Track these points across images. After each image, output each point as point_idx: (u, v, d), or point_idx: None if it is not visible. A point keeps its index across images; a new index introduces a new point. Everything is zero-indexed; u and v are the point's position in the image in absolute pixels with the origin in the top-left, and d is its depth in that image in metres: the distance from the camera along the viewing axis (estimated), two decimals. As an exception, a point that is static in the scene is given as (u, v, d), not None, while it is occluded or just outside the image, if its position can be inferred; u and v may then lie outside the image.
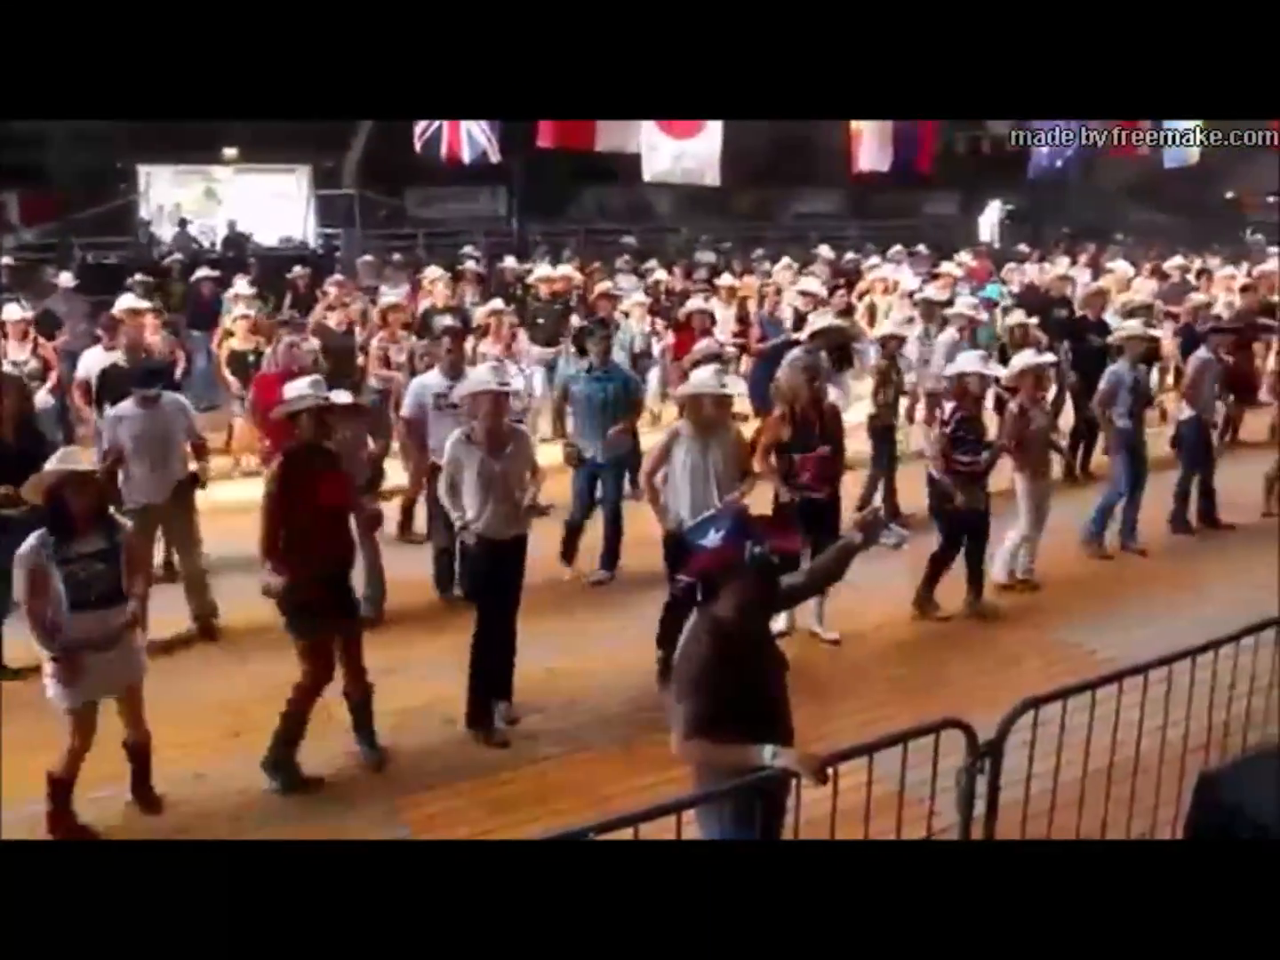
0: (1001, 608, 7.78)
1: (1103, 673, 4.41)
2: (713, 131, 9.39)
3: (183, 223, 20.48)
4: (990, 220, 26.69)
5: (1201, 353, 9.43)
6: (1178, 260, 15.94)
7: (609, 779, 5.46)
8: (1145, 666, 4.34)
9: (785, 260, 15.18)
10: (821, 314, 10.35)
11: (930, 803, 3.86)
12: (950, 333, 9.96)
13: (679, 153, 9.42)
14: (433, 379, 7.74)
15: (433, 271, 13.44)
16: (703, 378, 6.63)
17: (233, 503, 8.73)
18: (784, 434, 6.94)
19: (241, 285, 12.51)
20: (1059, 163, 15.20)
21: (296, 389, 5.86)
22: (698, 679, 3.50)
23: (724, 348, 8.91)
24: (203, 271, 14.44)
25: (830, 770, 3.39)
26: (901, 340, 9.56)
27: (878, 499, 8.94)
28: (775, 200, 26.96)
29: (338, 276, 13.84)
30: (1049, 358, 8.53)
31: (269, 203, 21.69)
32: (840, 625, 7.19)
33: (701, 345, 9.13)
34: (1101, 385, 8.81)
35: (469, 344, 9.75)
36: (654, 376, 11.73)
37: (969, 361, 7.61)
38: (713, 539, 3.57)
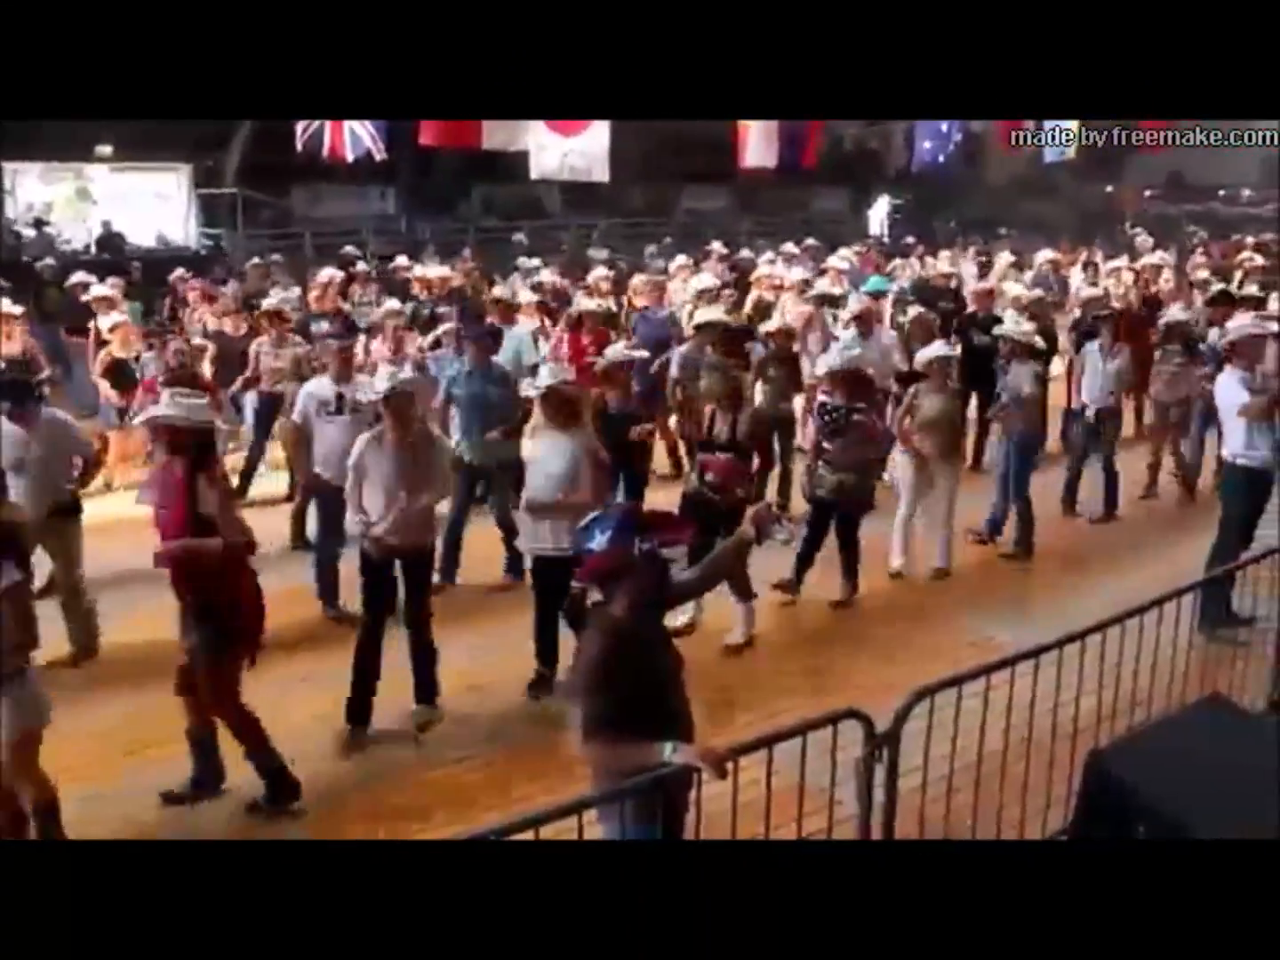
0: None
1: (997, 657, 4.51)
2: (600, 128, 9.36)
3: (39, 224, 19.58)
4: (879, 215, 27.13)
5: (1093, 345, 9.63)
6: (1047, 253, 16.36)
7: (520, 781, 5.38)
8: (1036, 650, 4.44)
9: (681, 258, 15.13)
10: (708, 309, 10.39)
11: (830, 793, 3.89)
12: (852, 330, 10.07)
13: (566, 150, 9.37)
14: (318, 386, 7.55)
15: (325, 273, 13.18)
16: (543, 377, 6.56)
17: (107, 520, 8.30)
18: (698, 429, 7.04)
19: (100, 288, 12.03)
20: (941, 157, 15.52)
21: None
22: (594, 679, 3.47)
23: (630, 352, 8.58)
24: (80, 276, 13.97)
25: (730, 764, 3.38)
26: (790, 333, 9.62)
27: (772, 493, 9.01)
28: (666, 196, 27.04)
29: (194, 280, 13.52)
30: (953, 350, 8.61)
31: (148, 202, 21.05)
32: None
33: (617, 349, 8.64)
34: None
35: (361, 347, 9.64)
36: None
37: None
38: (600, 540, 3.54)
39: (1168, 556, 8.18)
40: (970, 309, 11.44)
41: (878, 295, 12.08)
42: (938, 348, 8.38)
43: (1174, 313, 10.56)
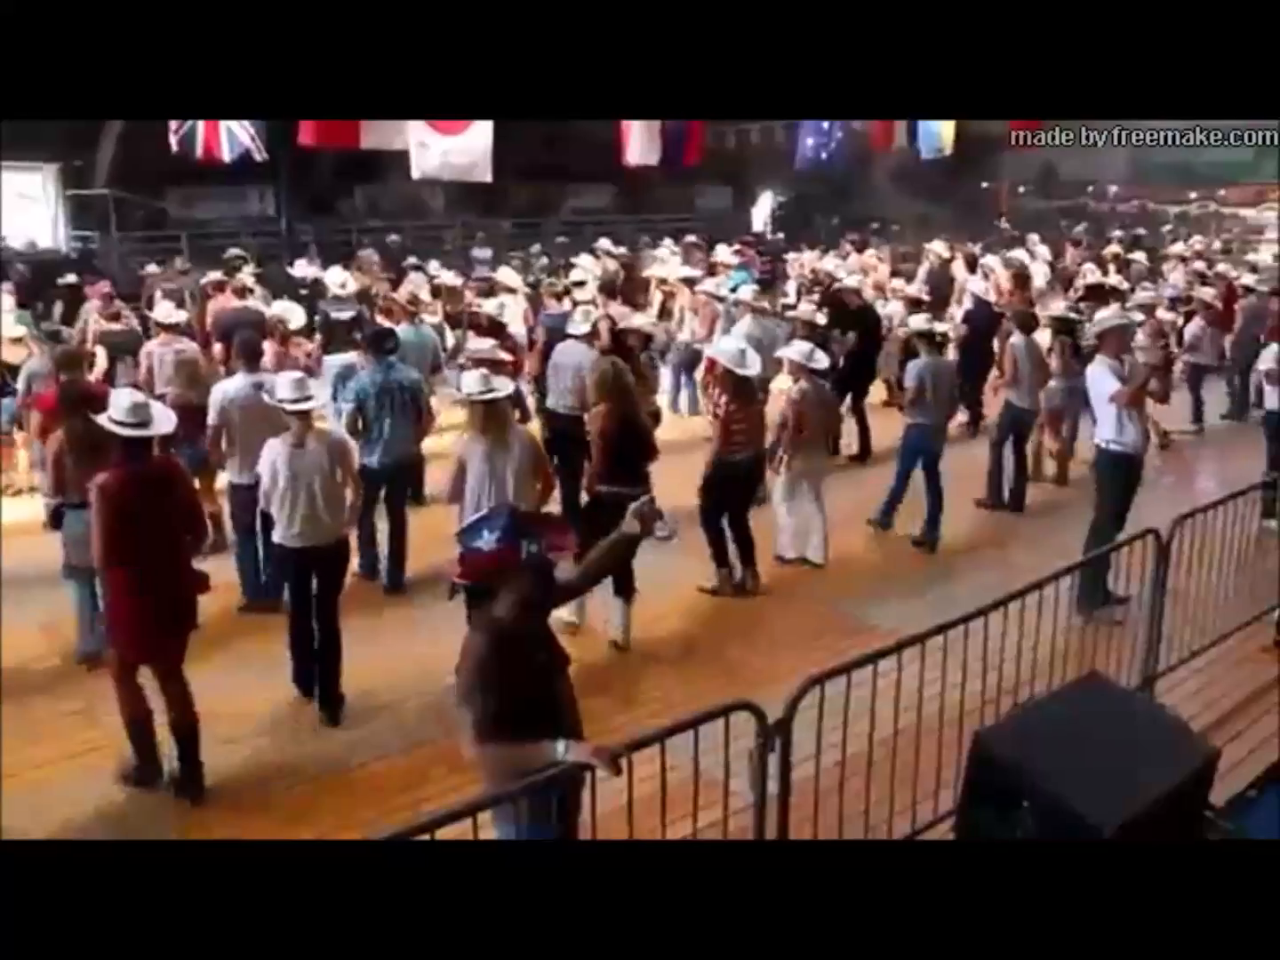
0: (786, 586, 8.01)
1: (884, 644, 4.58)
2: (482, 127, 9.23)
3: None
4: (762, 212, 27.40)
5: (1018, 339, 9.72)
6: (938, 246, 16.73)
7: (420, 782, 5.33)
8: (922, 636, 4.54)
9: (587, 259, 15.15)
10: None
11: (725, 785, 3.92)
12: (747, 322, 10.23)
13: (447, 149, 9.20)
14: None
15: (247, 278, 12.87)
16: (468, 383, 6.51)
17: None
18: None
19: None
20: (824, 155, 15.68)
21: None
22: (479, 681, 3.45)
23: (497, 349, 8.53)
24: None
25: (624, 760, 3.38)
26: (649, 338, 9.58)
27: None
28: (551, 195, 26.97)
29: (104, 284, 13.14)
30: (804, 347, 8.51)
31: (11, 203, 20.20)
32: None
33: (473, 345, 8.84)
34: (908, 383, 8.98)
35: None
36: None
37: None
38: (487, 540, 3.52)
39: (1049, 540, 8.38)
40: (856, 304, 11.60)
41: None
42: (801, 348, 8.44)
43: (1055, 307, 10.82)
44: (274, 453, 6.05)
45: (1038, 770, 3.64)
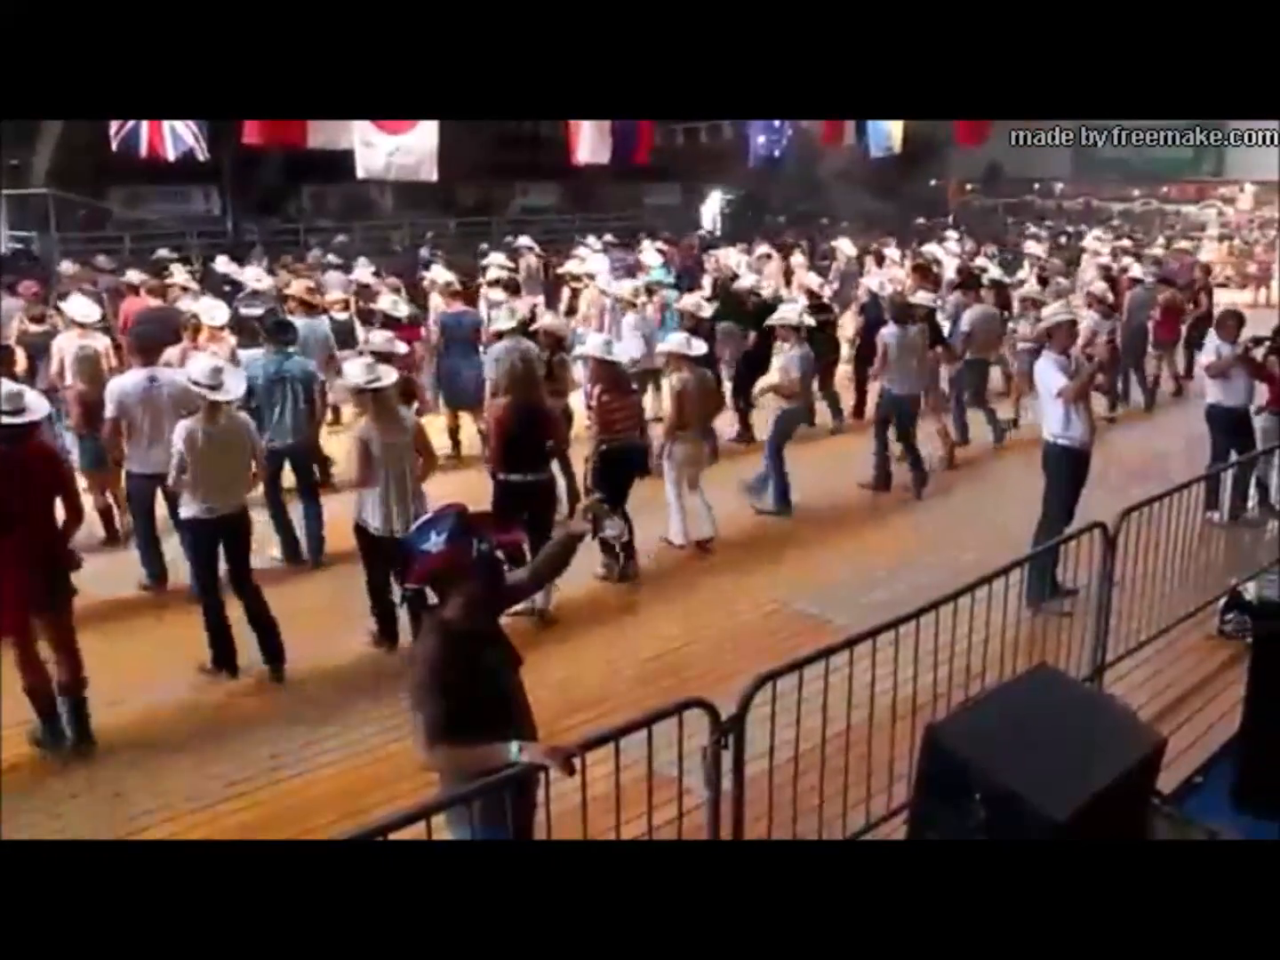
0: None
1: (836, 640, 4.60)
2: (429, 126, 9.13)
3: None
4: (711, 210, 27.49)
5: (890, 329, 10.08)
6: (845, 246, 17.04)
7: (368, 789, 5.26)
8: (873, 631, 4.56)
9: (499, 256, 15.23)
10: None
11: (679, 783, 3.92)
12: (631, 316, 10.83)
13: (393, 148, 9.10)
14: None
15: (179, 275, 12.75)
16: (352, 371, 6.78)
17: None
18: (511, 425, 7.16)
19: None
20: (776, 152, 15.76)
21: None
22: (432, 684, 3.42)
23: (394, 340, 8.90)
24: None
25: (578, 760, 3.37)
26: (559, 339, 9.59)
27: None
28: (500, 195, 26.88)
29: (31, 284, 12.91)
30: (679, 338, 8.65)
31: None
32: (575, 617, 7.29)
33: (373, 338, 9.14)
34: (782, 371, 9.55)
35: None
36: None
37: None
38: (436, 542, 3.50)
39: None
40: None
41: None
42: (676, 339, 8.62)
43: (919, 297, 11.07)
44: (185, 431, 6.37)
45: (988, 761, 3.66)
